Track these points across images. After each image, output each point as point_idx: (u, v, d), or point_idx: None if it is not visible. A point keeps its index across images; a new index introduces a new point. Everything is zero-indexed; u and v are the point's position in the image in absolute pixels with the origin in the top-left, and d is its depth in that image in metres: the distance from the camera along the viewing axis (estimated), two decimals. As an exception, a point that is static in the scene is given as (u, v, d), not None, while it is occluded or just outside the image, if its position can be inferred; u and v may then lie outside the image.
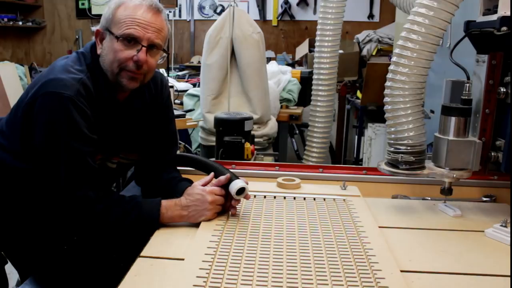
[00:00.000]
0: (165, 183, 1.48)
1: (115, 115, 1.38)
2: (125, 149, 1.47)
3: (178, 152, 1.64)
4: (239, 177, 1.34)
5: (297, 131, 4.14)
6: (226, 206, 1.34)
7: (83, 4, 6.36)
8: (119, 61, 1.29)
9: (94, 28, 1.25)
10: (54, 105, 1.22)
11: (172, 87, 2.30)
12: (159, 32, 1.32)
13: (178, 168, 1.59)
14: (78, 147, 1.24)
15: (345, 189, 1.57)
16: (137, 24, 1.28)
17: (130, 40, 1.28)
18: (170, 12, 5.06)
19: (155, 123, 1.51)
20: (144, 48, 1.29)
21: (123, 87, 1.33)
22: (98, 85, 1.32)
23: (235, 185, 1.30)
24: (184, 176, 1.53)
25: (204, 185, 1.34)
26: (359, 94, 4.06)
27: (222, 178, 1.33)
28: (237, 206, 1.34)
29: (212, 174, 1.38)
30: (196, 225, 1.28)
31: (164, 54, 1.39)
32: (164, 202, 1.29)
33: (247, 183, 1.33)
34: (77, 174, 1.24)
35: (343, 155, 4.67)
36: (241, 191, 1.30)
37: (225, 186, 1.33)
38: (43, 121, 1.24)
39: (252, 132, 2.42)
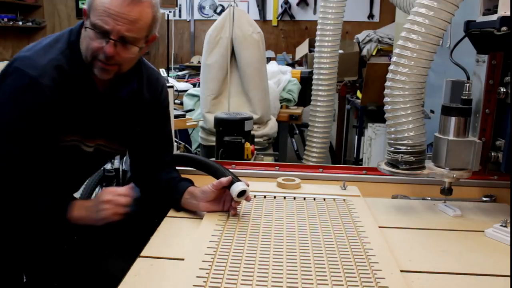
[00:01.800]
0: (164, 183, 1.46)
1: (91, 98, 1.32)
2: (105, 136, 1.41)
3: (178, 152, 1.64)
4: (240, 179, 1.34)
5: (297, 131, 4.13)
6: (226, 207, 1.33)
7: (83, 3, 6.34)
8: (91, 50, 1.24)
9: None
10: (15, 83, 1.22)
11: (172, 87, 2.29)
12: (133, 24, 1.21)
13: (180, 168, 1.57)
14: (21, 128, 1.22)
15: (345, 189, 1.57)
16: (108, 15, 1.19)
17: (102, 33, 1.21)
18: (170, 12, 5.06)
19: (151, 123, 1.48)
20: (111, 42, 1.21)
21: (97, 77, 1.29)
22: (76, 64, 1.28)
23: (237, 188, 1.29)
24: (184, 176, 1.51)
25: (216, 188, 1.32)
26: (359, 94, 4.06)
27: (223, 180, 1.32)
28: (237, 206, 1.34)
29: (229, 178, 1.33)
30: (196, 225, 1.28)
31: (148, 41, 1.31)
32: (78, 202, 1.31)
33: (248, 185, 1.33)
34: (11, 158, 1.23)
35: (343, 155, 4.67)
36: (242, 193, 1.30)
37: (226, 187, 1.32)
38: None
39: (252, 132, 2.42)
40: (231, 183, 1.31)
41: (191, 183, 1.44)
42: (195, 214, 1.37)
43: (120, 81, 1.35)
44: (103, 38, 1.21)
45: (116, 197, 1.26)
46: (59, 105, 1.25)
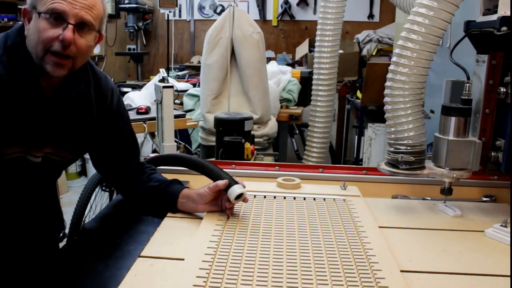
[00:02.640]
0: (151, 189, 1.40)
1: (37, 104, 1.21)
2: (52, 143, 1.29)
3: (178, 152, 1.63)
4: (236, 181, 1.33)
5: (297, 131, 4.14)
6: (224, 207, 1.33)
7: (83, 4, 6.34)
8: (44, 42, 1.12)
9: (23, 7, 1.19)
10: None
11: (172, 87, 2.30)
12: (90, 9, 1.15)
13: (174, 168, 1.54)
14: None
15: (345, 189, 1.57)
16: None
17: (57, 18, 1.12)
18: (170, 12, 5.06)
19: (105, 128, 1.39)
20: (70, 26, 1.12)
21: (49, 74, 1.17)
22: (17, 69, 1.16)
23: (234, 191, 1.29)
24: (179, 176, 1.49)
25: (212, 191, 1.30)
26: (359, 94, 4.07)
27: (220, 183, 1.30)
28: (237, 206, 1.34)
29: (225, 181, 1.31)
30: (196, 225, 1.28)
31: (97, 38, 1.24)
32: None
33: (244, 186, 1.32)
34: None
35: (343, 155, 4.68)
36: (240, 196, 1.30)
37: (225, 190, 1.32)
38: None
39: (252, 132, 2.42)
40: (228, 186, 1.31)
41: (181, 184, 1.41)
42: (195, 214, 1.37)
43: (67, 83, 1.26)
44: (60, 25, 1.12)
45: None
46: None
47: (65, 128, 1.30)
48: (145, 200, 1.41)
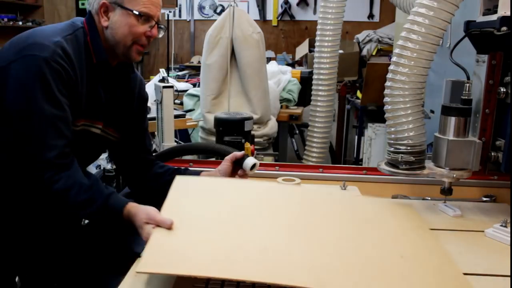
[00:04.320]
0: (168, 176, 1.48)
1: (103, 78, 1.40)
2: (105, 119, 1.45)
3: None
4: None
5: (297, 131, 4.13)
6: (239, 176, 1.47)
7: (83, 4, 6.35)
8: (134, 35, 1.35)
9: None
10: (28, 66, 1.22)
11: (172, 87, 2.30)
12: (160, 9, 1.42)
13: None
14: (49, 108, 1.22)
15: (345, 189, 1.57)
16: (152, 3, 1.36)
17: (146, 19, 1.36)
18: (170, 12, 5.06)
19: (137, 116, 1.55)
20: (156, 25, 1.39)
21: (130, 59, 1.40)
22: (90, 48, 1.35)
23: (249, 162, 1.45)
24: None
25: (231, 160, 1.47)
26: (359, 94, 4.06)
27: (238, 154, 1.48)
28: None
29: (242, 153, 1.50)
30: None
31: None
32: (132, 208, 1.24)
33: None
34: (47, 136, 1.22)
35: (343, 155, 4.67)
36: (254, 166, 1.46)
37: (238, 164, 1.47)
38: (15, 83, 1.23)
39: (252, 132, 2.42)
40: (243, 158, 1.47)
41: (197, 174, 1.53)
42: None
43: (121, 66, 1.46)
44: (146, 23, 1.36)
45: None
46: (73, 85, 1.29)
47: (114, 106, 1.46)
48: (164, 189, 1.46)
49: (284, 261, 1.01)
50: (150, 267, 0.95)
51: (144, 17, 1.35)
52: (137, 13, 1.33)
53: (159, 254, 0.99)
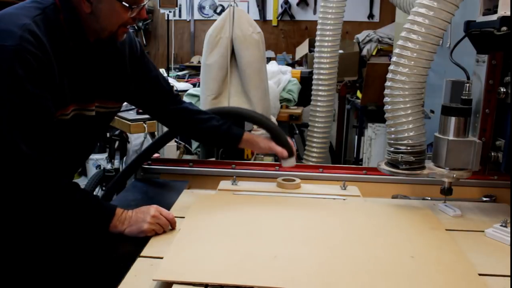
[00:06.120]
0: (209, 127, 1.58)
1: (85, 57, 1.32)
2: (100, 96, 1.40)
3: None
4: (292, 151, 1.61)
5: (297, 131, 4.13)
6: (278, 152, 1.58)
7: (83, 4, 6.34)
8: (122, 21, 1.29)
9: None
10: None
11: (172, 87, 2.30)
12: None
13: (177, 167, 1.69)
14: (20, 102, 1.13)
15: (345, 189, 1.57)
16: None
17: (135, 3, 1.29)
18: (170, 12, 5.06)
19: (140, 72, 1.51)
20: (144, 7, 1.34)
21: (114, 40, 1.34)
22: (64, 28, 1.25)
23: (287, 164, 1.60)
24: (179, 177, 1.67)
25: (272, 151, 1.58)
26: (359, 94, 4.06)
27: (284, 154, 1.58)
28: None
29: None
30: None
31: None
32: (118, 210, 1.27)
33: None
34: (21, 131, 1.14)
35: (343, 155, 4.67)
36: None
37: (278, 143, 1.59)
38: None
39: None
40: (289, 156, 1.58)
41: (238, 128, 1.62)
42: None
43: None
44: (136, 9, 1.30)
45: (160, 216, 1.26)
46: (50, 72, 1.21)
47: (107, 80, 1.41)
48: (206, 138, 1.68)
49: (294, 268, 1.03)
50: (167, 275, 1.00)
51: (134, 5, 1.28)
52: (127, 5, 1.26)
53: (176, 263, 1.05)
